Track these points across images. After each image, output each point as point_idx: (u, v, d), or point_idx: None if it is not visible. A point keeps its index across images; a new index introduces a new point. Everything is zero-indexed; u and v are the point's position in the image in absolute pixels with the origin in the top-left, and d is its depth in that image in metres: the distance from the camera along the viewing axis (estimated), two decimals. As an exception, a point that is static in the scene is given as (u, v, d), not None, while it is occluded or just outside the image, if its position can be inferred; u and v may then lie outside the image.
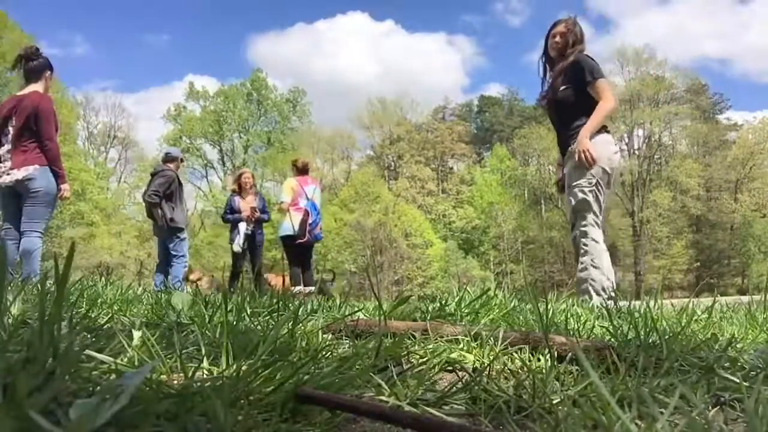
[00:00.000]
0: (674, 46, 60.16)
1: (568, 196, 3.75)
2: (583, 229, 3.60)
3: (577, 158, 3.62)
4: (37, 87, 4.72)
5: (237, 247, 7.67)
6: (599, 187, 3.61)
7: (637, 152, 46.75)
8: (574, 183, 3.66)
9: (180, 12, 67.28)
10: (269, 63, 69.69)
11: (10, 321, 1.17)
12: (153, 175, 7.08)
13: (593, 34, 70.27)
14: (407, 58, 67.26)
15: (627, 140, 46.97)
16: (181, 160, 7.53)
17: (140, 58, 68.56)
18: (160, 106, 63.10)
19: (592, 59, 3.80)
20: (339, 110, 67.20)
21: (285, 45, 66.87)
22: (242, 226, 7.70)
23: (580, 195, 3.61)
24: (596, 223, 3.60)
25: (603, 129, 3.71)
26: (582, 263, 3.57)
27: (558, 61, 3.90)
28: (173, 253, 6.73)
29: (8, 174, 4.56)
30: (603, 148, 3.63)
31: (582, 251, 3.58)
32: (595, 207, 3.60)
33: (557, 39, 3.88)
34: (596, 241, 3.56)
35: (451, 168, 53.15)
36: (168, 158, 7.30)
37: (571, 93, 3.77)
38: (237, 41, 77.54)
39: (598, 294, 3.46)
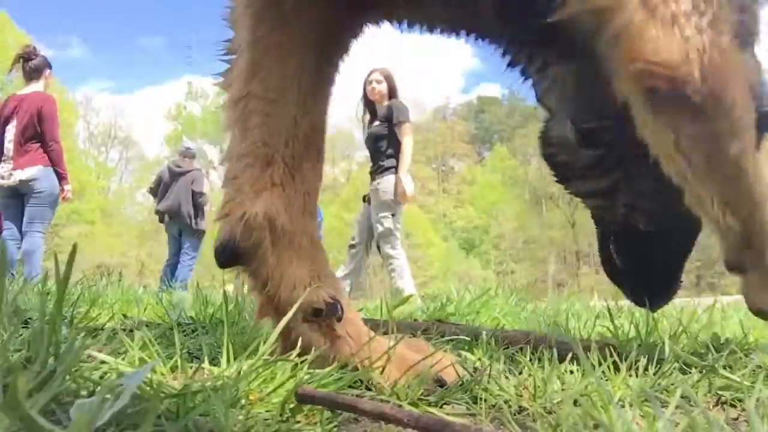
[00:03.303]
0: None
1: (375, 222, 4.72)
2: (388, 251, 4.61)
3: (382, 195, 4.63)
4: (38, 86, 4.72)
5: None
6: (400, 216, 4.75)
7: (637, 152, 46.67)
8: (381, 215, 4.64)
9: (173, 14, 67.34)
10: (264, 64, 69.20)
11: (10, 321, 1.17)
12: (179, 174, 7.03)
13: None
14: (402, 59, 66.94)
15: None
16: (192, 156, 7.57)
17: (135, 59, 68.63)
18: (157, 107, 63.07)
19: (404, 105, 4.86)
20: (332, 111, 66.94)
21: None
22: None
23: (387, 224, 4.61)
24: (398, 244, 4.69)
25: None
26: (392, 278, 4.65)
27: (378, 104, 4.88)
28: (188, 251, 6.76)
29: (11, 174, 4.56)
30: (408, 187, 4.67)
31: (390, 268, 4.65)
32: (397, 233, 4.70)
33: (373, 85, 4.83)
34: (398, 258, 4.63)
35: (452, 167, 53.17)
36: (189, 153, 7.34)
37: (383, 129, 4.77)
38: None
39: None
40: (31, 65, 4.74)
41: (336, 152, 49.12)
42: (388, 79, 4.86)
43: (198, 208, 6.85)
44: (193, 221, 6.78)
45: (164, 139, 43.47)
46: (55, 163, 4.61)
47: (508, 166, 50.09)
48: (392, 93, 4.87)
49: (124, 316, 1.58)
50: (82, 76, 73.12)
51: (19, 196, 4.60)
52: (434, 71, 66.15)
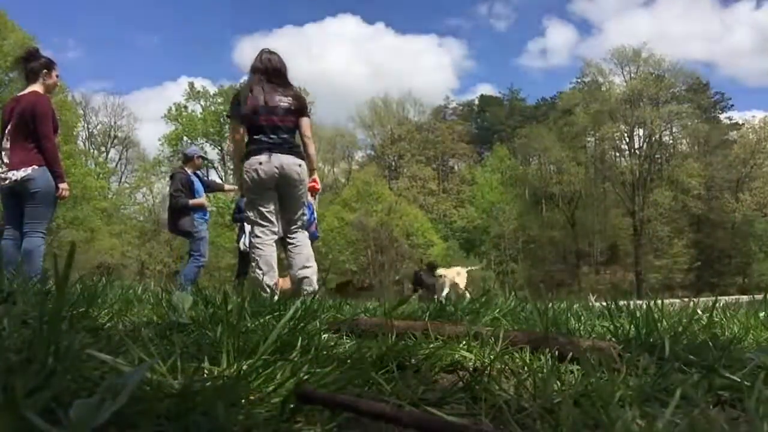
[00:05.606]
0: (658, 49, 58.60)
1: None
2: (251, 239, 4.36)
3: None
4: (37, 87, 4.71)
5: (242, 246, 7.82)
6: (252, 201, 4.27)
7: (638, 152, 46.67)
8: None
9: (169, 15, 67.59)
10: (259, 65, 69.40)
11: (10, 321, 1.17)
12: (169, 179, 7.30)
13: (577, 38, 70.28)
14: (397, 60, 66.70)
15: (627, 140, 46.94)
16: (200, 158, 7.57)
17: (132, 60, 68.90)
18: (154, 107, 63.24)
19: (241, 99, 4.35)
20: (328, 112, 66.77)
21: (274, 47, 66.39)
22: (246, 226, 7.83)
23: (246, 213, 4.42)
24: (259, 230, 4.26)
25: (250, 154, 4.23)
26: (252, 266, 4.37)
27: None
28: (190, 252, 6.85)
29: (8, 175, 4.56)
30: (243, 172, 4.22)
31: (252, 257, 4.34)
32: (254, 216, 4.28)
33: None
34: (260, 249, 4.24)
35: (452, 167, 53.14)
36: (184, 159, 7.46)
37: None
38: (226, 43, 78.38)
39: (264, 291, 4.39)
40: (31, 66, 4.74)
41: (336, 152, 49.10)
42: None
43: (174, 210, 6.85)
44: (173, 224, 6.86)
45: (164, 139, 43.43)
46: (48, 163, 4.56)
47: (508, 166, 50.08)
48: None
49: (124, 316, 1.58)
50: (79, 77, 73.46)
51: (18, 196, 4.59)
52: (428, 72, 65.93)
